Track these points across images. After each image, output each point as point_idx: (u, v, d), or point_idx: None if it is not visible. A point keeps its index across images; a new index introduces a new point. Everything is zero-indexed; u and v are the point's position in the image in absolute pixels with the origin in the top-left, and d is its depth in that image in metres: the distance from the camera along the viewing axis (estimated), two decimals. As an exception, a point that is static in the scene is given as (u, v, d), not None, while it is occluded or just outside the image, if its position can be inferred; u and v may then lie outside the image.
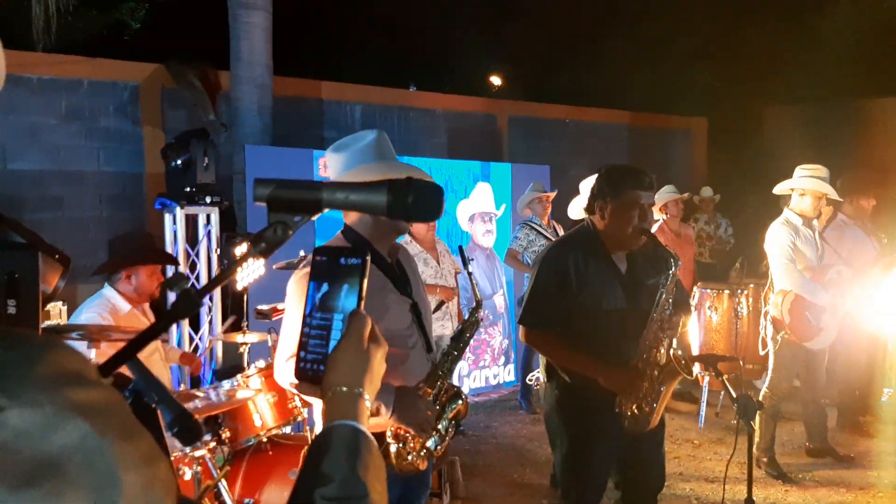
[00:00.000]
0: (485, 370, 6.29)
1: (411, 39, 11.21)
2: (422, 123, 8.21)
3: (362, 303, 0.98)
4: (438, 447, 2.11)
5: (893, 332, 5.25)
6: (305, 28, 10.26)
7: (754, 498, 3.95)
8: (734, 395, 2.25)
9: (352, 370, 0.96)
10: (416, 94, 8.45)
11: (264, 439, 2.85)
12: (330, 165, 2.25)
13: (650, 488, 2.80)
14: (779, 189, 4.38)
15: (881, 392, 5.37)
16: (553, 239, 5.39)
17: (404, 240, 4.91)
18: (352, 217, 2.21)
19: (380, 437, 2.08)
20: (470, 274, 2.32)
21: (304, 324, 0.99)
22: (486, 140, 8.84)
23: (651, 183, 2.57)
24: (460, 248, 2.39)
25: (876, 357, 5.25)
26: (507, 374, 6.38)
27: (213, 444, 2.68)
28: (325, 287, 0.98)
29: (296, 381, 2.01)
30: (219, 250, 4.12)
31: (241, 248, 3.97)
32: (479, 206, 6.30)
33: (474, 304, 2.32)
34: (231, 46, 6.70)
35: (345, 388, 0.94)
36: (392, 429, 2.05)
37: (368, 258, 0.98)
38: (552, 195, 5.53)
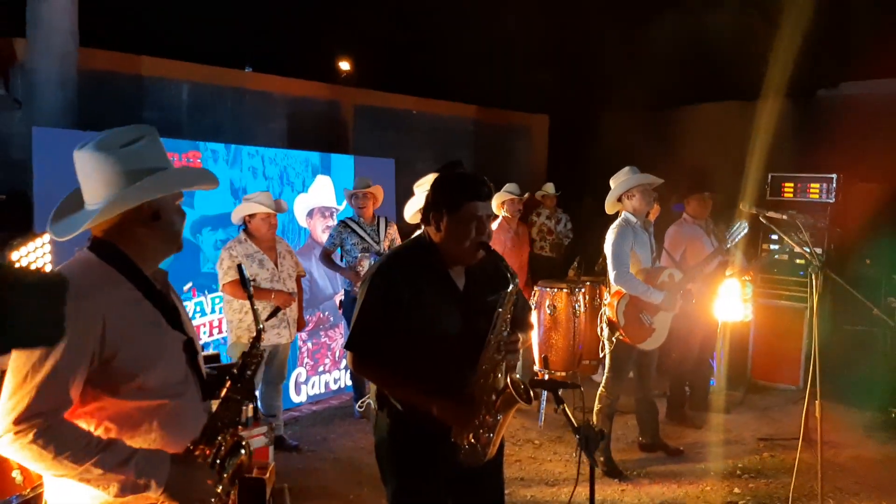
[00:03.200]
0: (324, 375, 5.91)
1: (250, 17, 10.47)
2: (258, 108, 7.61)
3: None
4: None
5: (724, 327, 5.60)
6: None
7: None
8: (575, 424, 2.07)
9: None
10: (253, 76, 7.81)
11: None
12: (92, 169, 1.70)
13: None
14: (610, 207, 4.41)
15: (708, 384, 5.69)
16: (371, 238, 5.16)
17: (238, 238, 4.41)
18: (106, 225, 1.72)
19: None
20: (250, 297, 1.92)
21: None
22: (329, 129, 8.40)
23: (489, 192, 2.35)
24: (239, 266, 2.00)
25: (705, 351, 5.53)
26: (349, 378, 6.05)
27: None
28: None
29: (30, 454, 1.52)
30: (-7, 253, 3.41)
31: (19, 253, 3.31)
32: (319, 200, 5.90)
33: (256, 333, 1.91)
34: (28, 8, 5.77)
35: None
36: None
37: None
38: (372, 190, 5.26)
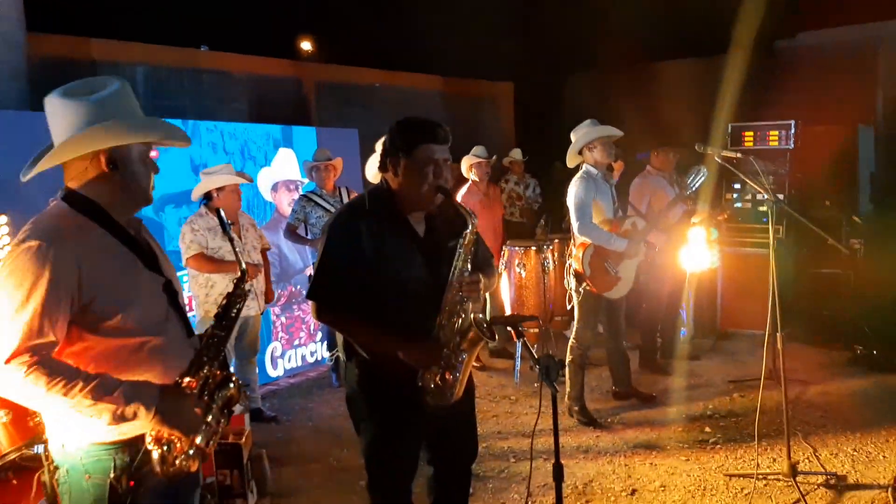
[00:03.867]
0: (300, 349, 5.92)
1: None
2: (217, 87, 7.51)
3: None
4: (210, 443, 1.81)
5: (692, 276, 5.71)
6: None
7: (567, 446, 4.08)
8: (536, 356, 2.13)
9: None
10: (210, 55, 7.70)
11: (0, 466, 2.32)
12: (57, 115, 1.75)
13: (462, 461, 2.66)
14: (571, 160, 4.46)
15: (678, 333, 5.81)
16: (335, 208, 5.14)
17: (198, 212, 4.38)
18: (75, 175, 1.78)
19: (138, 440, 1.74)
20: (231, 240, 1.96)
21: None
22: (291, 106, 8.32)
23: (445, 136, 2.35)
24: (217, 211, 2.02)
25: (675, 301, 5.63)
26: (325, 350, 6.07)
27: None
28: None
29: (24, 389, 1.60)
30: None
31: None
32: (283, 173, 5.86)
33: (239, 273, 1.97)
34: (-31, -4, 5.60)
35: None
36: (153, 432, 1.73)
37: None
38: (333, 162, 5.25)
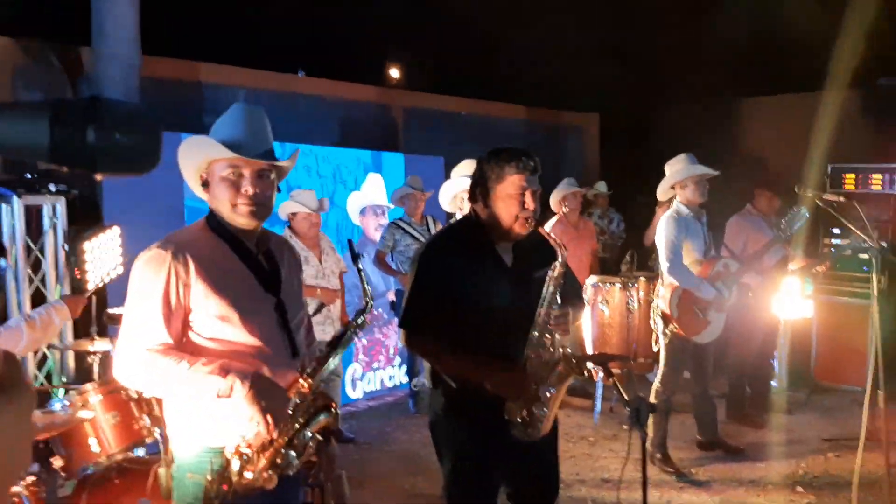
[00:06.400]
0: (379, 372, 5.98)
1: (302, 23, 10.72)
2: (312, 111, 7.76)
3: None
4: (293, 463, 1.83)
5: (785, 325, 5.46)
6: (182, 3, 9.56)
7: (649, 497, 3.93)
8: (626, 398, 2.07)
9: None
10: (306, 81, 7.99)
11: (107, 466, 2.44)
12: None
13: (543, 499, 2.61)
14: (662, 195, 4.37)
15: (769, 384, 5.55)
16: (423, 237, 5.19)
17: (284, 234, 4.53)
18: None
19: (220, 450, 1.82)
20: (360, 270, 2.01)
21: None
22: (380, 131, 8.50)
23: (536, 167, 2.36)
24: (349, 241, 2.09)
25: (766, 350, 5.38)
26: (404, 375, 6.11)
27: (35, 478, 2.23)
28: None
29: (137, 377, 1.79)
30: (66, 246, 3.59)
31: (90, 244, 3.47)
32: (371, 198, 5.99)
33: (364, 304, 2.01)
34: (93, 18, 6.03)
35: None
36: (235, 445, 1.79)
37: None
38: (426, 195, 5.32)
